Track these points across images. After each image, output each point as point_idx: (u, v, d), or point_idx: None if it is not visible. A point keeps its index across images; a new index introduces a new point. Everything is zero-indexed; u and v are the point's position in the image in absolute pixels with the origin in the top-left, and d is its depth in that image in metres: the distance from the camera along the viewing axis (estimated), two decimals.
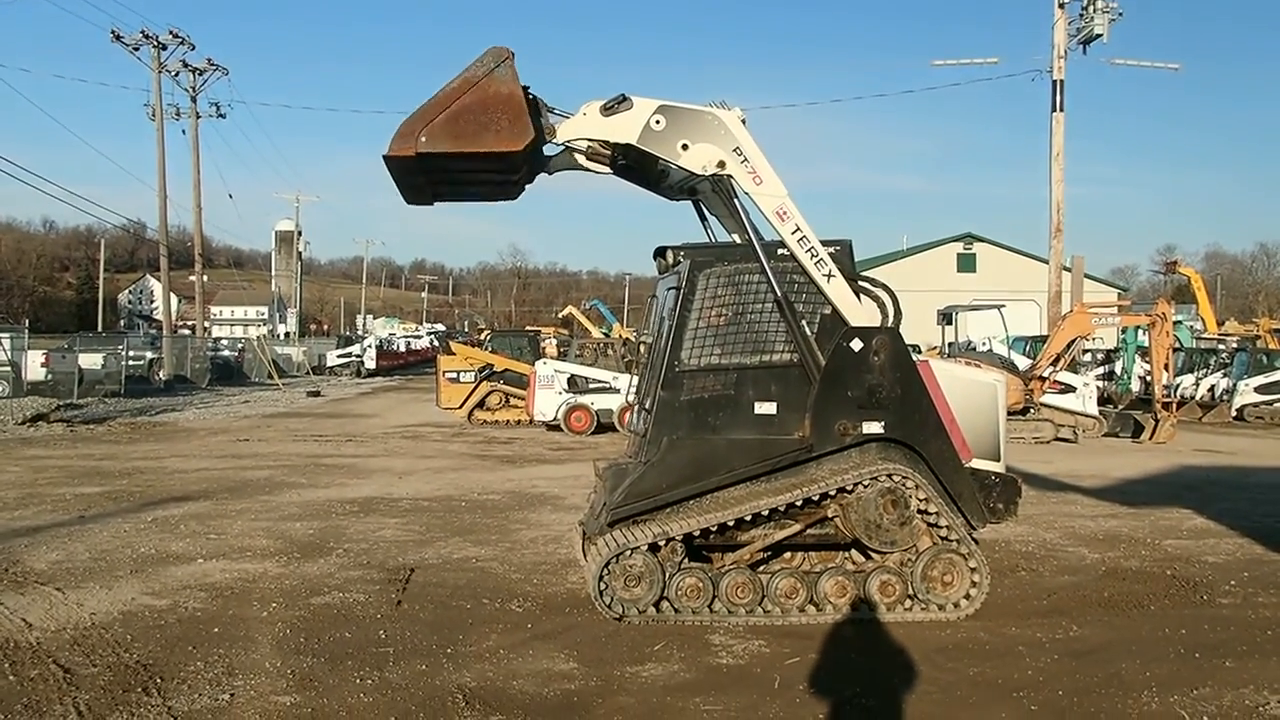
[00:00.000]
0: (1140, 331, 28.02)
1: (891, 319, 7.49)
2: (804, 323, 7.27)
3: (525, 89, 6.97)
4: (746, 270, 7.35)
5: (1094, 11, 28.73)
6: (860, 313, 7.36)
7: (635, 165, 7.75)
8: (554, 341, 40.12)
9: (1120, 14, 28.81)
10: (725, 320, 7.34)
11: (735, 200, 7.27)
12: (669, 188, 8.17)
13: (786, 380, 7.29)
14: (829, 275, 7.23)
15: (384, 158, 6.72)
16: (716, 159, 7.16)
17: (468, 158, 6.82)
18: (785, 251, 7.28)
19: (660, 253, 7.93)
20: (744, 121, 7.25)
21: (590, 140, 7.28)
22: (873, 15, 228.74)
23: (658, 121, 7.12)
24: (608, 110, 7.12)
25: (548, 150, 7.46)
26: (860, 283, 7.47)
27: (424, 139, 6.64)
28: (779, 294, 7.16)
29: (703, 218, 8.29)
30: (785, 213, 7.19)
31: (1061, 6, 29.12)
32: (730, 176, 7.19)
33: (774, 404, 7.29)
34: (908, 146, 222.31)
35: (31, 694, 5.54)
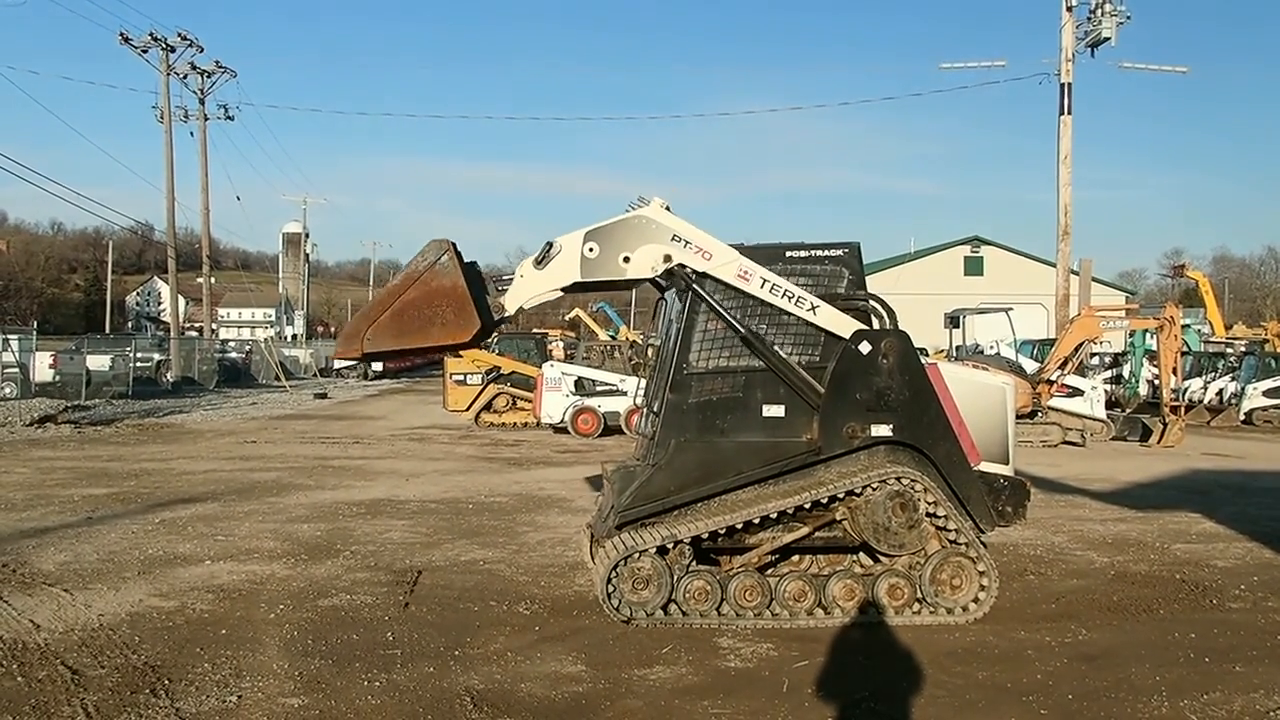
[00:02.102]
0: (1148, 335, 27.92)
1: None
2: (806, 342, 7.27)
3: (471, 266, 7.15)
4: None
5: (1102, 15, 28.76)
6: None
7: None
8: (561, 344, 40.14)
9: (1128, 17, 28.88)
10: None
11: (692, 287, 7.22)
12: (624, 282, 8.06)
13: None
14: (814, 308, 7.21)
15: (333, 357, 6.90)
16: (661, 256, 7.19)
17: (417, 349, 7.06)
18: (793, 254, 7.31)
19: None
20: (668, 207, 7.27)
21: (539, 296, 7.32)
22: (881, 18, 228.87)
23: (590, 250, 7.18)
24: (541, 263, 7.21)
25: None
26: (854, 300, 7.37)
27: (369, 338, 6.84)
28: (743, 331, 7.15)
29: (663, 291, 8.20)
30: (746, 273, 7.19)
31: (1070, 10, 29.10)
32: (680, 265, 7.20)
33: (782, 406, 7.27)
34: (915, 149, 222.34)
35: (39, 695, 5.54)
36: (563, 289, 7.39)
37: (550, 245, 7.22)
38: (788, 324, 7.26)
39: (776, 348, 7.22)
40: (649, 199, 7.27)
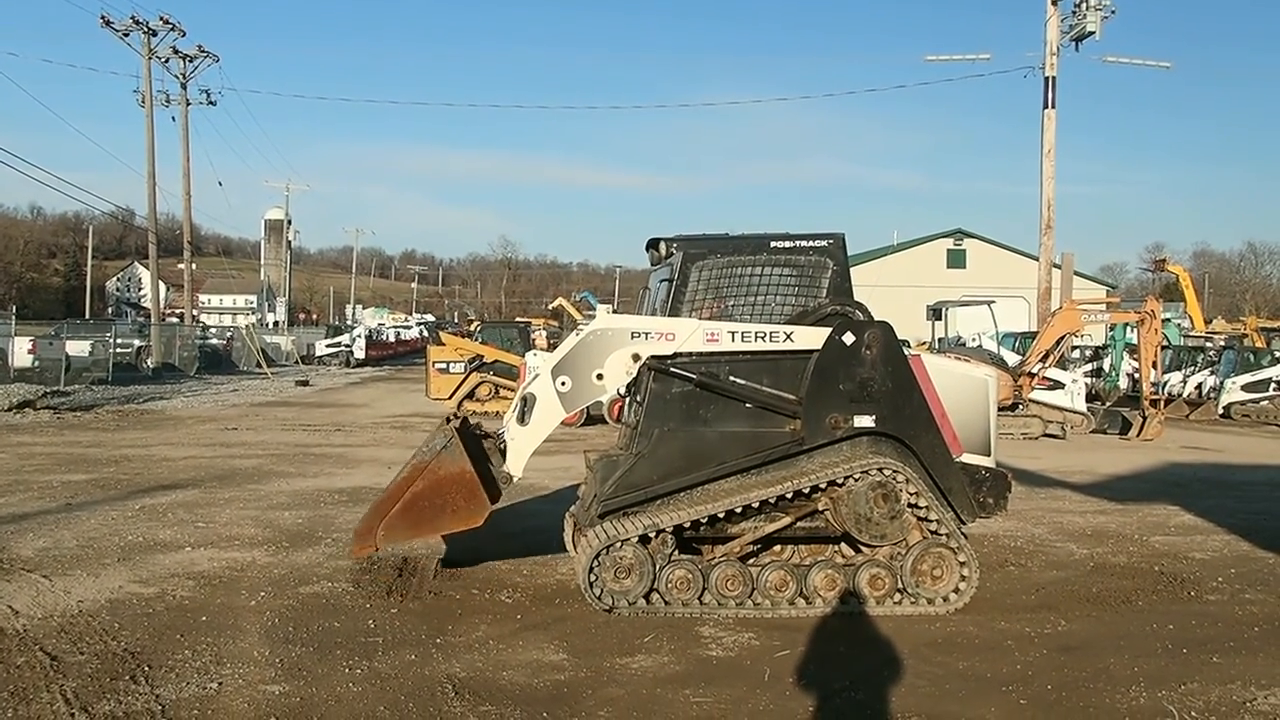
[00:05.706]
0: (1129, 329, 28.06)
1: None
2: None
3: (475, 438, 7.23)
4: (739, 263, 7.35)
5: (1086, 8, 28.77)
6: None
7: None
8: (544, 333, 40.03)
9: (1113, 11, 28.89)
10: (717, 312, 7.34)
11: (668, 371, 7.25)
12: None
13: (778, 373, 7.29)
14: (788, 336, 7.24)
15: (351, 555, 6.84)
16: (629, 357, 7.24)
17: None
18: (778, 245, 7.33)
19: (653, 244, 7.91)
20: (614, 310, 7.31)
21: (537, 446, 7.42)
22: (866, 9, 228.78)
23: (563, 384, 7.28)
24: (523, 419, 7.35)
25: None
26: (834, 307, 7.37)
27: (382, 533, 6.89)
28: (722, 389, 7.20)
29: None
30: (712, 334, 7.22)
31: (1054, 4, 29.14)
32: (650, 357, 7.22)
33: None
34: (900, 142, 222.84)
35: (18, 682, 5.51)
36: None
37: (525, 400, 7.35)
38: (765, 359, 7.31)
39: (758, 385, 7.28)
40: (593, 306, 7.30)
